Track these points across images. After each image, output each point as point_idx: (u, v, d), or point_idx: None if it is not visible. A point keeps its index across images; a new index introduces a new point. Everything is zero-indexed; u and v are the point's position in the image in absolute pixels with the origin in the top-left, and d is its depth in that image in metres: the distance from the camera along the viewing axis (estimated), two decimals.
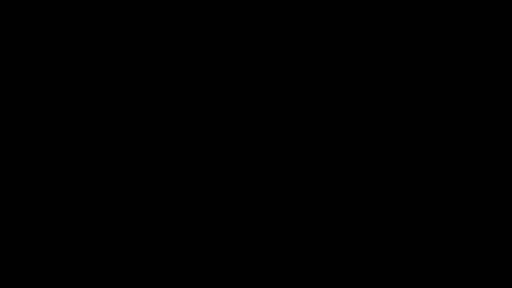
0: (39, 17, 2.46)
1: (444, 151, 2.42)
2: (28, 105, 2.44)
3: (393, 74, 2.45)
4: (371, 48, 2.45)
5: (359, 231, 2.41)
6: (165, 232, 2.42)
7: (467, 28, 2.45)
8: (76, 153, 2.43)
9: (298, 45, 2.46)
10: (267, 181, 2.43)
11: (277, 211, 2.43)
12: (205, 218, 2.43)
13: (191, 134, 2.44)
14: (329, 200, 2.42)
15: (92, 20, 2.46)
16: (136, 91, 2.46)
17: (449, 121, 2.43)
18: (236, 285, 2.40)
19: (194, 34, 2.47)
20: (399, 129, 2.43)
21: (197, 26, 2.47)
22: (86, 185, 2.42)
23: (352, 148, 2.43)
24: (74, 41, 2.46)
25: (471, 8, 2.44)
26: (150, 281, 2.40)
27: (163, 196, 2.43)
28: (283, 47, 2.46)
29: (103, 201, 2.42)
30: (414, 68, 2.45)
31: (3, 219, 2.41)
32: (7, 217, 2.41)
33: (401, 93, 2.44)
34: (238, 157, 2.44)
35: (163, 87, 2.46)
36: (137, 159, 2.44)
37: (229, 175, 2.44)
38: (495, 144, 2.42)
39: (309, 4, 2.46)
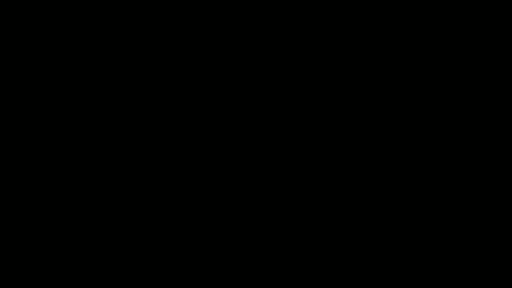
0: (39, 17, 2.46)
1: (444, 151, 2.43)
2: (28, 105, 2.44)
3: (393, 74, 2.45)
4: (371, 48, 2.46)
5: (359, 231, 2.42)
6: (165, 232, 2.42)
7: (467, 28, 2.45)
8: (76, 153, 2.43)
9: (298, 45, 2.46)
10: (267, 181, 2.44)
11: (277, 211, 2.43)
12: (205, 218, 2.43)
13: (191, 134, 2.45)
14: (329, 200, 2.43)
15: (92, 20, 2.47)
16: (136, 91, 2.46)
17: (449, 121, 2.43)
18: (236, 285, 2.40)
19: (194, 34, 2.47)
20: (399, 129, 2.44)
21: (197, 26, 2.47)
22: (86, 185, 2.43)
23: (352, 148, 2.44)
24: (74, 41, 2.46)
25: (471, 8, 2.44)
26: (150, 281, 2.40)
27: (163, 196, 2.43)
28: (283, 47, 2.46)
29: (103, 201, 2.42)
30: (414, 68, 2.45)
31: (3, 219, 2.41)
32: (7, 217, 2.41)
33: (401, 93, 2.45)
34: (238, 157, 2.44)
35: (163, 87, 2.46)
36: (137, 159, 2.44)
37: (229, 175, 2.44)
38: (495, 144, 2.42)
39: (309, 4, 2.46)
